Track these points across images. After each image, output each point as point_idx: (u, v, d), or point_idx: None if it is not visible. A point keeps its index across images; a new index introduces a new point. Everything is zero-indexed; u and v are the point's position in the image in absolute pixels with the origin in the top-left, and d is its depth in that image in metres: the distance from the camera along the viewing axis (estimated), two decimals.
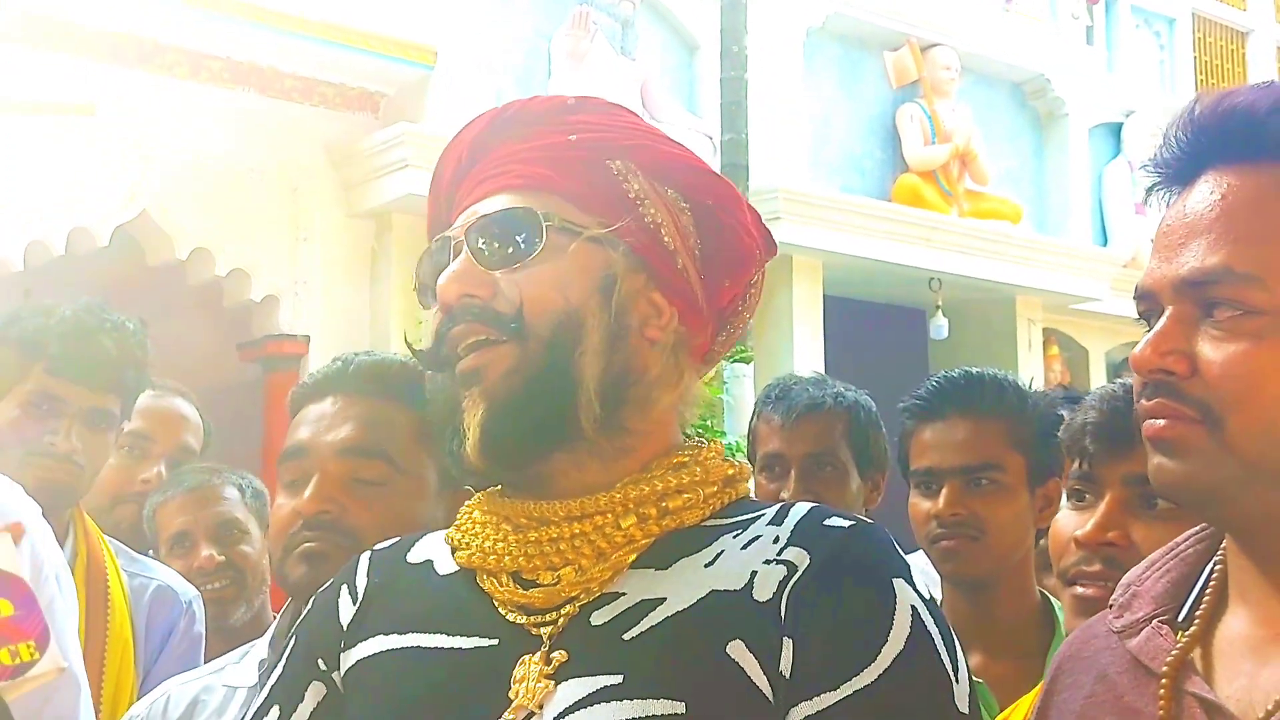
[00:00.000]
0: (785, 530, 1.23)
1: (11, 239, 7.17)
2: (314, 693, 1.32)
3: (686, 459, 1.30)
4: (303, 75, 8.15)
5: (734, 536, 1.25)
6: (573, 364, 1.23)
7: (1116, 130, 12.22)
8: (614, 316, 1.26)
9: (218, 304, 8.12)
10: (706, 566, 1.22)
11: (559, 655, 1.19)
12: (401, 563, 1.38)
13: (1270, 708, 1.03)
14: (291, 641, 1.38)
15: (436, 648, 1.25)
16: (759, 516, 1.27)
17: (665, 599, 1.20)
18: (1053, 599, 2.27)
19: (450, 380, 1.27)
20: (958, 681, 1.17)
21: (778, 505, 1.28)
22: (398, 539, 1.45)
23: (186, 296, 8.05)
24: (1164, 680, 1.09)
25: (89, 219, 7.43)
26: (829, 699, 1.13)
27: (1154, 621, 1.15)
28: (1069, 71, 11.48)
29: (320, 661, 1.33)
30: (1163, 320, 1.09)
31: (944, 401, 2.24)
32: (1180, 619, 1.15)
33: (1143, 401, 1.10)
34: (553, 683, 1.17)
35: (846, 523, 1.23)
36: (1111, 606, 1.21)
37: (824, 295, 9.86)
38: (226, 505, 3.15)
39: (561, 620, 1.22)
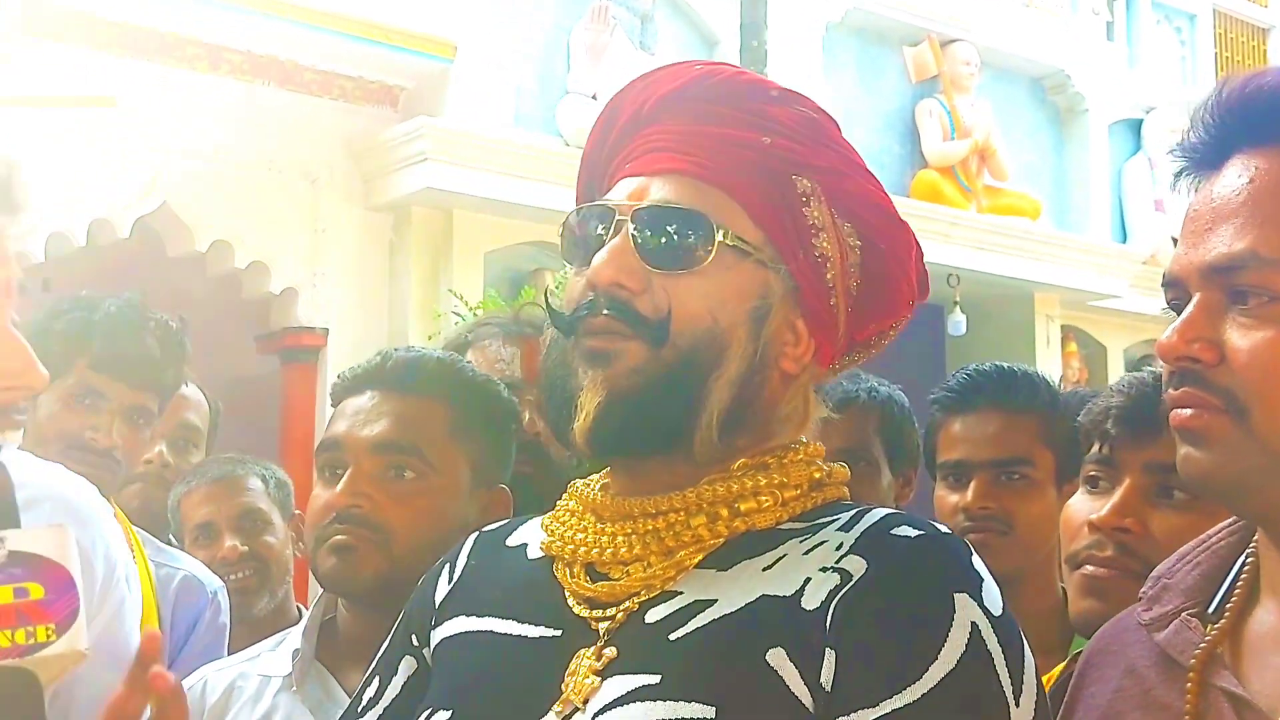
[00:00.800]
0: (850, 537, 1.19)
1: (32, 231, 7.20)
2: (406, 666, 1.34)
3: (771, 460, 1.26)
4: (322, 69, 8.16)
5: (800, 540, 1.21)
6: (705, 386, 1.20)
7: (1137, 126, 12.15)
8: (760, 348, 1.23)
9: (237, 296, 8.13)
10: (765, 570, 1.19)
11: (610, 651, 1.18)
12: (501, 545, 1.38)
13: None
14: (401, 618, 1.40)
15: (506, 634, 1.25)
16: (833, 521, 1.23)
17: (715, 600, 1.18)
18: None
19: (569, 350, 1.23)
20: (1018, 705, 1.11)
21: (856, 509, 1.24)
22: (509, 519, 1.45)
23: (206, 288, 8.06)
24: (1191, 674, 1.08)
25: (109, 211, 7.46)
26: (867, 715, 1.08)
27: (1183, 615, 1.14)
28: (1089, 67, 11.43)
29: (414, 637, 1.35)
30: (1190, 307, 1.07)
31: (976, 394, 2.22)
32: (1210, 612, 1.13)
33: (1170, 391, 1.08)
34: (599, 679, 1.17)
35: (915, 531, 1.18)
36: (1141, 599, 1.19)
37: None
38: (250, 496, 3.16)
39: (620, 616, 1.20)
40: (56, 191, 7.21)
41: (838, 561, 1.16)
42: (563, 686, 1.17)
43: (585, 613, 1.22)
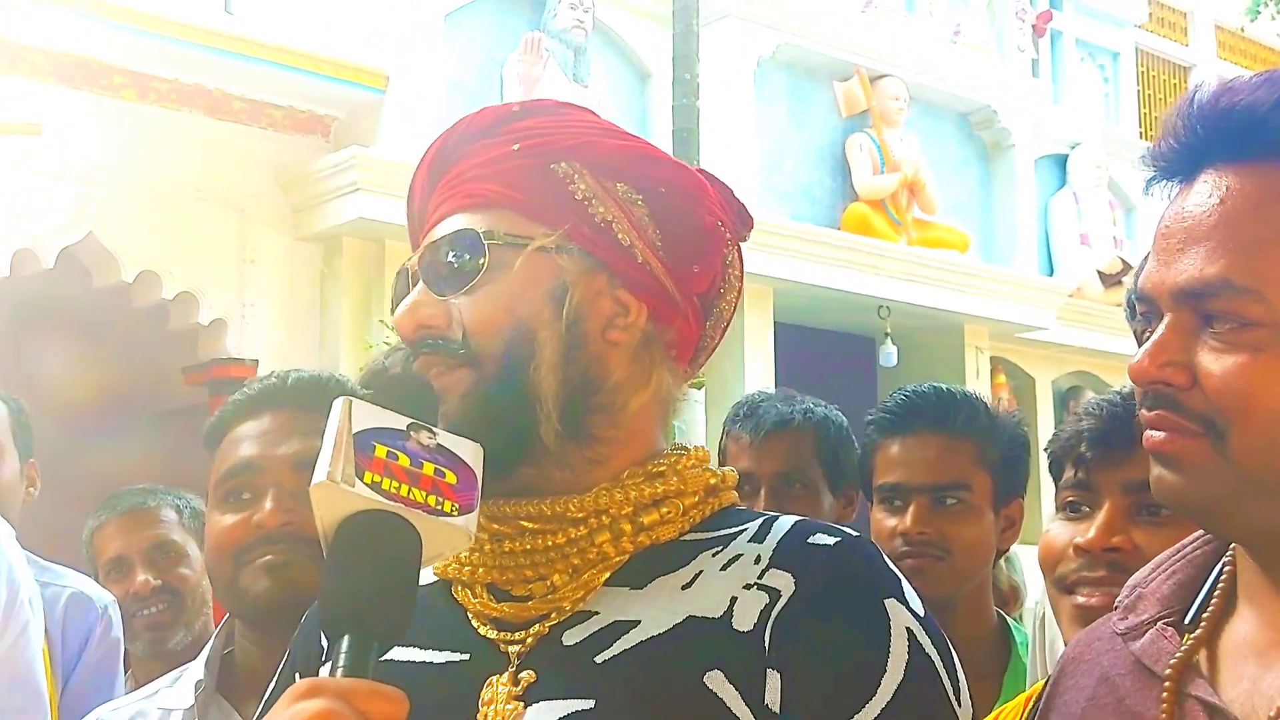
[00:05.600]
0: (767, 549, 1.18)
1: None
2: None
3: (663, 468, 1.25)
4: (252, 98, 8.10)
5: (713, 555, 1.20)
6: (527, 381, 1.19)
7: (1062, 161, 12.36)
8: (568, 325, 1.21)
9: (164, 327, 8.03)
10: (684, 589, 1.17)
11: (527, 675, 1.15)
12: None
13: (1273, 714, 1.01)
14: (286, 655, 1.37)
15: (409, 661, 1.20)
16: (741, 531, 1.22)
17: (639, 621, 1.16)
18: (1010, 620, 2.26)
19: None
20: (960, 705, 1.14)
21: (762, 519, 1.24)
22: None
23: (133, 319, 7.96)
24: (1167, 684, 1.07)
25: (34, 240, 7.34)
26: None
27: (1159, 624, 1.13)
28: (1015, 103, 11.61)
29: (297, 675, 1.31)
30: (1160, 330, 1.06)
31: (914, 416, 2.20)
32: (1187, 621, 1.12)
33: (1144, 411, 1.07)
34: (521, 704, 1.14)
35: (832, 540, 1.17)
36: (1116, 608, 1.18)
37: (774, 322, 9.89)
38: (163, 528, 3.09)
39: (530, 639, 1.18)
40: None
41: (760, 577, 1.16)
42: (479, 716, 1.15)
43: (493, 634, 1.20)
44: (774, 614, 1.13)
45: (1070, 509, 1.70)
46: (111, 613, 2.75)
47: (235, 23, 7.91)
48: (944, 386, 2.27)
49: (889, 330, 10.44)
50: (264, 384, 1.90)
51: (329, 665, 1.04)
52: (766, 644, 1.12)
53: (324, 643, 1.29)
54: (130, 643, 2.96)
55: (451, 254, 1.24)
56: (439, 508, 1.08)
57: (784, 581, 1.15)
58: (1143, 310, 1.09)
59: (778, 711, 1.10)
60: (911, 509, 2.13)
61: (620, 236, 1.25)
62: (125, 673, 2.98)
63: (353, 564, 1.06)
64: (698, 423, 8.03)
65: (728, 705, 1.10)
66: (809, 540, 1.18)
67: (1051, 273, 11.96)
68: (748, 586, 1.15)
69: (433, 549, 1.09)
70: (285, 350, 7.98)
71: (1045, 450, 1.78)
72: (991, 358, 11.43)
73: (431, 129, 8.82)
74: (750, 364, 9.61)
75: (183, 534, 3.11)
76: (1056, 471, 1.73)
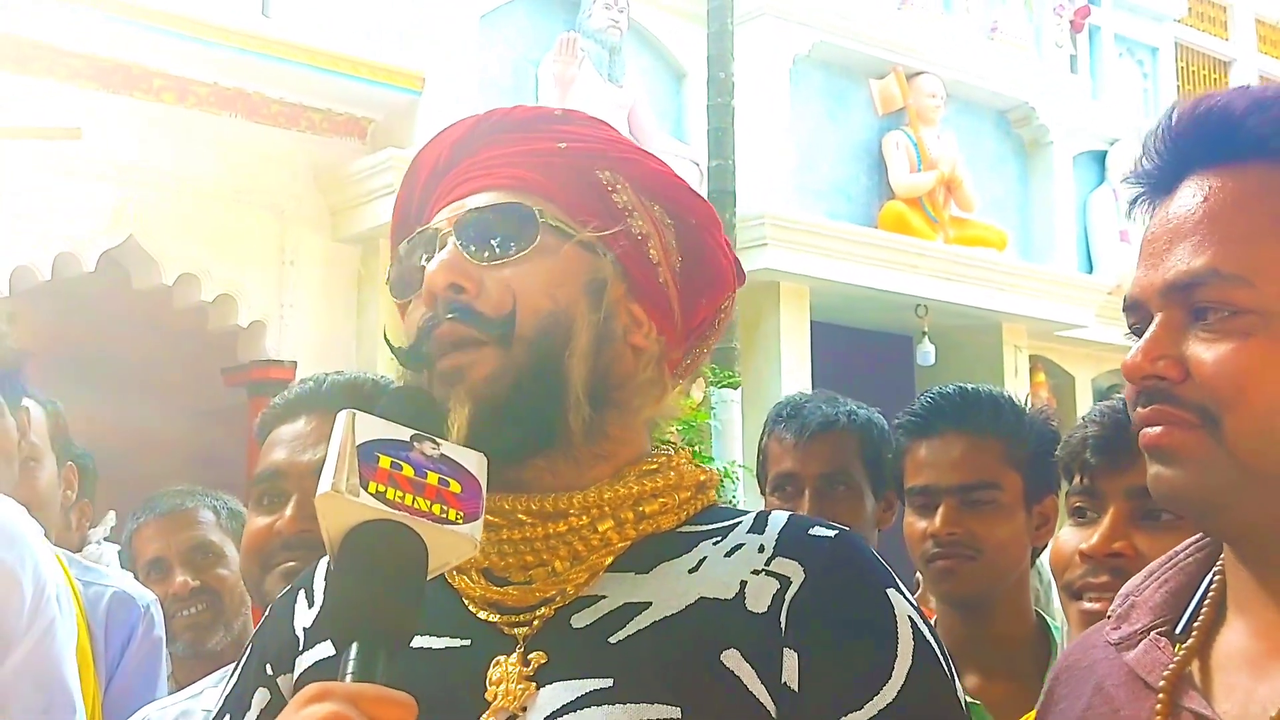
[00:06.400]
0: (769, 539, 1.21)
1: None
2: (259, 699, 1.29)
3: (657, 465, 1.28)
4: (290, 101, 8.16)
5: (714, 543, 1.23)
6: (562, 366, 1.21)
7: (1101, 158, 12.28)
8: (602, 319, 1.24)
9: (203, 329, 8.10)
10: (691, 572, 1.20)
11: (537, 656, 1.17)
12: None
13: None
14: (248, 650, 1.35)
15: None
16: (737, 523, 1.25)
17: (650, 603, 1.18)
18: (1049, 619, 2.25)
19: (427, 379, 1.24)
20: (956, 684, 1.19)
21: (755, 512, 1.27)
22: None
23: (172, 321, 8.03)
24: (1161, 695, 1.08)
25: (75, 244, 7.42)
26: (860, 718, 1.12)
27: (1152, 633, 1.14)
28: (1053, 99, 11.54)
29: (268, 667, 1.30)
30: (1152, 326, 1.07)
31: (939, 418, 2.19)
32: (1179, 630, 1.13)
33: (1139, 410, 1.08)
34: (534, 685, 1.15)
35: (831, 532, 1.22)
36: (1110, 617, 1.19)
37: (811, 321, 9.87)
38: (201, 529, 3.12)
39: (537, 622, 1.19)
40: (21, 225, 7.17)
41: (768, 564, 1.19)
42: (488, 695, 1.15)
43: (494, 618, 1.21)
44: (788, 598, 1.16)
45: (1077, 515, 1.71)
46: (153, 611, 2.78)
47: (273, 26, 7.97)
48: (968, 386, 2.26)
49: (927, 329, 10.41)
50: (302, 387, 1.92)
51: (338, 671, 1.04)
52: (783, 626, 1.15)
53: (298, 634, 1.30)
54: (170, 643, 2.98)
55: (499, 225, 1.24)
56: (444, 516, 1.10)
57: (792, 569, 1.18)
58: (1133, 321, 1.11)
59: (795, 690, 1.13)
60: (940, 510, 2.13)
61: (651, 253, 1.29)
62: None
63: (359, 573, 1.07)
64: (734, 422, 8.03)
65: (745, 683, 1.13)
66: (810, 532, 1.22)
67: (1091, 270, 11.88)
68: (756, 572, 1.19)
69: (439, 557, 1.10)
70: (323, 351, 8.03)
71: (1054, 456, 1.78)
72: (1030, 356, 11.37)
73: None
74: (787, 363, 9.60)
75: (221, 535, 3.13)
76: (1066, 477, 1.74)
